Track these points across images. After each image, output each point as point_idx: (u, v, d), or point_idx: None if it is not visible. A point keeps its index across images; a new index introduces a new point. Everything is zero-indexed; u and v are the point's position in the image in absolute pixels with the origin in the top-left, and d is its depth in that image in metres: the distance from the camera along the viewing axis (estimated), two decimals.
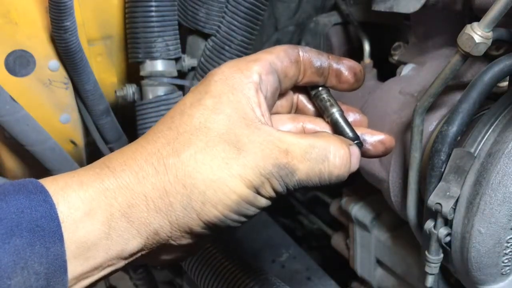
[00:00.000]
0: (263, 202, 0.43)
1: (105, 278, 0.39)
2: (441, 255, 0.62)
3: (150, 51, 0.83)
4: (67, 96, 0.85)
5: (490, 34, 0.53)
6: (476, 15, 0.64)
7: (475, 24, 0.53)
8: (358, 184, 0.94)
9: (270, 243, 1.12)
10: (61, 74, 0.83)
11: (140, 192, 0.39)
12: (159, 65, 0.85)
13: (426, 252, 0.62)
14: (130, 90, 0.88)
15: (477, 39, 0.53)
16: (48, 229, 0.34)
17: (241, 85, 0.43)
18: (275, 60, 0.45)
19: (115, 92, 0.90)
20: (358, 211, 0.90)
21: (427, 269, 0.62)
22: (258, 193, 0.42)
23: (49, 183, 0.37)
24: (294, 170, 0.42)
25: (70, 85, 0.85)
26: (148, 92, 0.86)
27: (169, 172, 0.40)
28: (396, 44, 0.87)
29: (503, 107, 0.60)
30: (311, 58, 0.48)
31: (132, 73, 0.93)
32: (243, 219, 0.43)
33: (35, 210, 0.34)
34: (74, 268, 0.36)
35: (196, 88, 0.45)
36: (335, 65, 0.49)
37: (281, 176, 0.41)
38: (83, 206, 0.37)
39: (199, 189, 0.40)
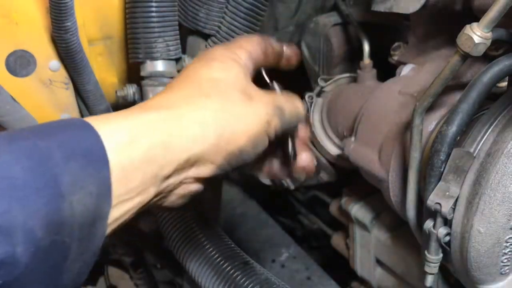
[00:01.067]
0: (266, 140, 0.53)
1: (139, 211, 0.44)
2: (441, 255, 0.62)
3: (151, 52, 0.83)
4: (67, 96, 0.85)
5: (489, 34, 0.53)
6: (475, 16, 0.65)
7: (474, 24, 0.53)
8: (358, 184, 0.94)
9: (270, 243, 1.12)
10: (62, 74, 0.83)
11: (179, 125, 0.46)
12: (160, 66, 0.85)
13: (426, 252, 0.62)
14: (131, 90, 0.88)
15: (477, 39, 0.53)
16: (97, 155, 0.39)
17: (239, 61, 0.55)
18: (252, 50, 0.57)
19: (116, 92, 0.90)
20: (358, 210, 0.91)
21: (427, 269, 0.63)
22: (266, 130, 0.52)
23: (93, 119, 0.41)
24: (284, 109, 0.55)
25: (70, 85, 0.85)
26: (148, 92, 0.86)
27: (203, 109, 0.48)
28: (396, 44, 0.87)
29: (502, 107, 0.60)
30: (274, 47, 0.61)
31: (133, 73, 0.93)
32: (252, 155, 0.51)
33: (84, 140, 0.39)
34: (116, 189, 0.40)
35: (202, 56, 0.55)
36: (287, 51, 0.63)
37: (278, 115, 0.53)
38: (127, 135, 0.42)
39: (230, 121, 0.49)
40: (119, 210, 0.41)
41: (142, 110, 0.46)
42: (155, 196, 0.45)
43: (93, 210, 0.38)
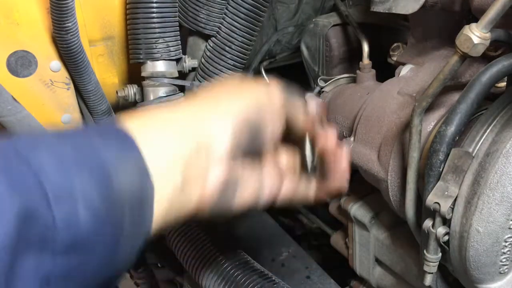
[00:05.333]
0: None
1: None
2: (440, 254, 0.62)
3: (151, 52, 0.84)
4: (68, 96, 0.86)
5: (488, 35, 0.53)
6: (474, 16, 0.65)
7: (473, 25, 0.53)
8: (357, 183, 0.95)
9: (270, 242, 1.12)
10: (63, 74, 0.83)
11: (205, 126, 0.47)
12: (160, 66, 0.85)
13: (425, 251, 0.62)
14: (131, 90, 0.88)
15: (475, 40, 0.53)
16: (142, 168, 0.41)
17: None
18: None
19: (117, 92, 0.90)
20: (357, 210, 0.91)
21: (426, 268, 0.63)
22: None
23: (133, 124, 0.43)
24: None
25: (71, 86, 0.85)
26: (149, 93, 0.86)
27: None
28: (395, 45, 0.87)
29: (501, 107, 0.61)
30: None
31: (133, 73, 0.93)
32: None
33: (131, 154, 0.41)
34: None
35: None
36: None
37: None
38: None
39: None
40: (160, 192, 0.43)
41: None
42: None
43: (137, 185, 0.40)
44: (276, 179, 0.54)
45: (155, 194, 0.41)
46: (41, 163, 0.35)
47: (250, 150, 0.50)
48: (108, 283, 0.40)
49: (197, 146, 0.45)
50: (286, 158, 0.59)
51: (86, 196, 0.35)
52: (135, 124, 0.43)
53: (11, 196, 0.32)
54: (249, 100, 0.50)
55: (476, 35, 0.53)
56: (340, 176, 0.56)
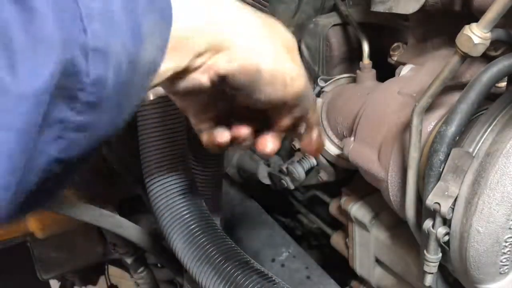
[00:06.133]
0: (282, 87, 0.52)
1: (166, 78, 0.46)
2: (440, 254, 0.62)
3: None
4: None
5: (488, 34, 0.53)
6: (475, 16, 0.65)
7: (473, 25, 0.53)
8: (357, 183, 0.94)
9: (270, 242, 1.12)
10: None
11: (232, 16, 0.49)
12: None
13: (425, 251, 0.62)
14: None
15: (476, 39, 0.53)
16: (167, 16, 0.42)
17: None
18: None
19: None
20: (357, 210, 0.91)
21: (426, 268, 0.63)
22: (287, 80, 0.52)
23: None
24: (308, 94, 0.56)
25: None
26: (149, 93, 0.86)
27: (254, 22, 0.51)
28: (395, 44, 0.87)
29: (501, 107, 0.61)
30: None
31: None
32: (265, 87, 0.50)
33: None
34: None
35: None
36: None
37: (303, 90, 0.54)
38: (186, 7, 0.45)
39: (271, 46, 0.51)
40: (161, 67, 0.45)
41: None
42: (182, 71, 0.48)
43: (155, 61, 0.42)
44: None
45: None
46: (90, 7, 0.35)
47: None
48: (104, 141, 0.42)
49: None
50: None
51: (118, 58, 0.36)
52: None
53: (62, 41, 0.32)
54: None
55: (476, 35, 0.53)
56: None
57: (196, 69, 0.49)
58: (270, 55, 0.50)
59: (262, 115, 0.57)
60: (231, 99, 0.55)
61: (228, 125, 0.60)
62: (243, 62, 0.49)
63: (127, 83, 0.39)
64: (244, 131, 0.59)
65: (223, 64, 0.48)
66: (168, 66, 0.45)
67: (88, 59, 0.34)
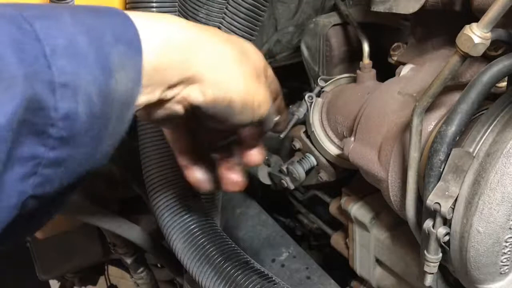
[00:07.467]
0: (252, 114, 0.56)
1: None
2: (440, 255, 0.62)
3: None
4: None
5: (488, 34, 0.53)
6: (475, 16, 0.65)
7: (474, 24, 0.53)
8: (357, 183, 0.94)
9: (270, 243, 1.12)
10: None
11: (201, 47, 0.50)
12: None
13: (425, 252, 0.62)
14: None
15: (476, 39, 0.53)
16: (136, 46, 0.43)
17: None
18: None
19: None
20: (357, 210, 0.91)
21: (426, 268, 0.63)
22: (256, 108, 0.56)
23: (134, 15, 0.45)
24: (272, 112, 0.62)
25: None
26: None
27: (225, 47, 0.53)
28: (395, 44, 0.87)
29: (501, 107, 0.60)
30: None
31: None
32: (235, 114, 0.53)
33: (129, 29, 0.43)
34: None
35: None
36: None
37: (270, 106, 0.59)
38: (159, 39, 0.46)
39: (240, 76, 0.53)
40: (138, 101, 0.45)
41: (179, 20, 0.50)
42: (156, 102, 0.48)
43: (130, 93, 0.42)
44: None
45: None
46: (55, 44, 0.35)
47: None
48: (83, 177, 0.42)
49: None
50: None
51: (88, 90, 0.36)
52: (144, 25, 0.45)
53: (24, 78, 0.32)
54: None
55: (476, 35, 0.53)
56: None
57: (169, 100, 0.50)
58: (241, 87, 0.52)
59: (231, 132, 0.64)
60: (204, 124, 0.57)
61: (209, 162, 0.66)
62: (216, 95, 0.50)
63: (101, 116, 0.39)
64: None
65: (196, 96, 0.50)
66: (141, 98, 0.45)
67: (55, 94, 0.34)
